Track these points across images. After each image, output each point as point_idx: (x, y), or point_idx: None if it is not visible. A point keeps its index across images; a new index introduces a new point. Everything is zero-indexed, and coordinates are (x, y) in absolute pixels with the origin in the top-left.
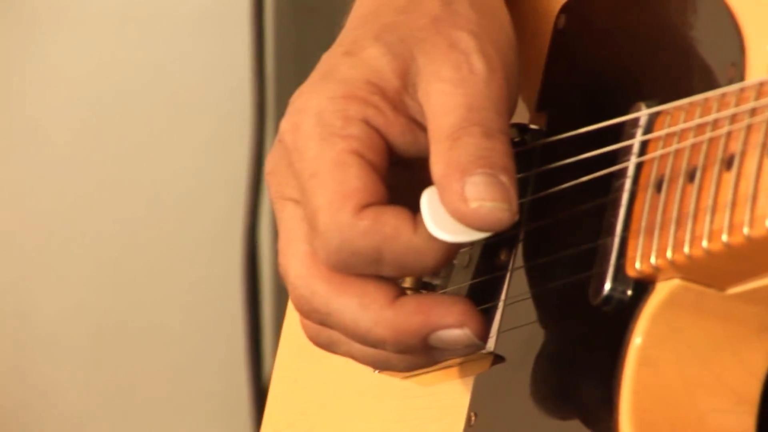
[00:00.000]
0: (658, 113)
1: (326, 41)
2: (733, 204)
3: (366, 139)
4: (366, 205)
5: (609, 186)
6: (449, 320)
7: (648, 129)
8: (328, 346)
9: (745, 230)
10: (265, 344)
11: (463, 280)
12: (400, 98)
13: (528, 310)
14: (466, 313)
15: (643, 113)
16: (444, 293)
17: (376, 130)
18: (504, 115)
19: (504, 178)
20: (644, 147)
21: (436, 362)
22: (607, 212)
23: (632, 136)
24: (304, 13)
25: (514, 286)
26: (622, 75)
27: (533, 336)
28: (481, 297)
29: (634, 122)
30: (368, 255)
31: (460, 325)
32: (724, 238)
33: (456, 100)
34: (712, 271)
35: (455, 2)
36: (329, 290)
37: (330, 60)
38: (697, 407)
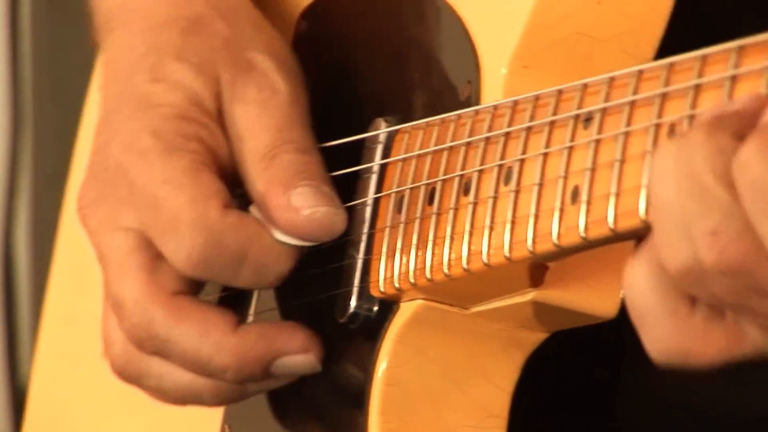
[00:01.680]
0: (397, 131)
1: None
2: (471, 233)
3: (207, 155)
4: (228, 205)
5: (352, 208)
6: (294, 346)
7: (387, 146)
8: (136, 379)
9: (484, 258)
10: (22, 347)
11: (211, 294)
12: (221, 119)
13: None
14: (309, 338)
15: (382, 131)
16: None
17: (211, 149)
18: (310, 130)
19: (326, 188)
20: (384, 166)
21: (254, 393)
22: (353, 231)
23: (373, 152)
24: (59, 15)
25: (264, 301)
26: (364, 87)
27: None
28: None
29: (375, 138)
30: (234, 253)
31: (305, 351)
32: (464, 263)
33: (264, 121)
34: (454, 293)
35: (239, 23)
36: (169, 317)
37: (135, 90)
38: (446, 424)
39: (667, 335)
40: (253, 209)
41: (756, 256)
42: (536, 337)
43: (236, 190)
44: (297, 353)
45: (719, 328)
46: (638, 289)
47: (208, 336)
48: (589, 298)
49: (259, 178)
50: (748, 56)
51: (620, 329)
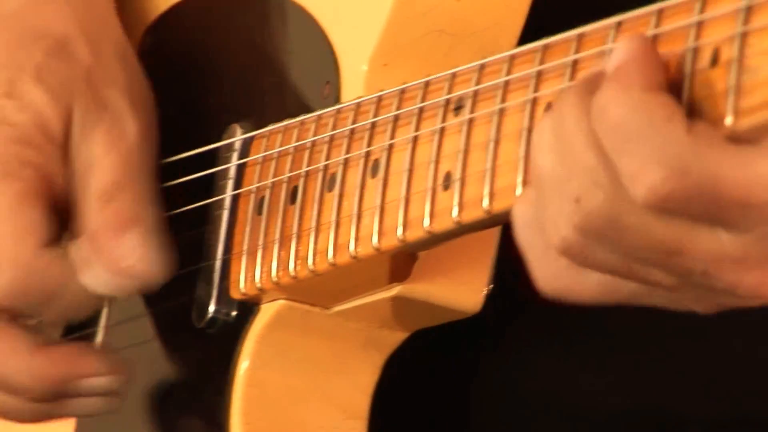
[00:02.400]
0: (255, 136)
1: None
2: (338, 223)
3: (41, 183)
4: (47, 243)
5: (211, 209)
6: (95, 368)
7: (244, 151)
8: None
9: (351, 249)
10: None
11: None
12: (66, 148)
13: (136, 332)
14: (113, 360)
15: (237, 138)
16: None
17: (46, 178)
18: (153, 176)
19: (155, 240)
20: (242, 170)
21: (69, 413)
22: (209, 236)
23: (229, 159)
24: None
25: (116, 313)
26: (219, 96)
27: (142, 358)
28: (80, 322)
29: (230, 146)
30: (40, 293)
31: (108, 372)
32: (330, 257)
33: (108, 161)
34: (317, 291)
35: (104, 53)
36: None
37: None
38: (306, 426)
39: (546, 271)
40: (73, 247)
41: (623, 218)
42: (396, 337)
43: None
44: (99, 375)
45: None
46: (520, 221)
47: (9, 357)
48: (454, 293)
49: (92, 217)
50: (627, 30)
51: (478, 330)
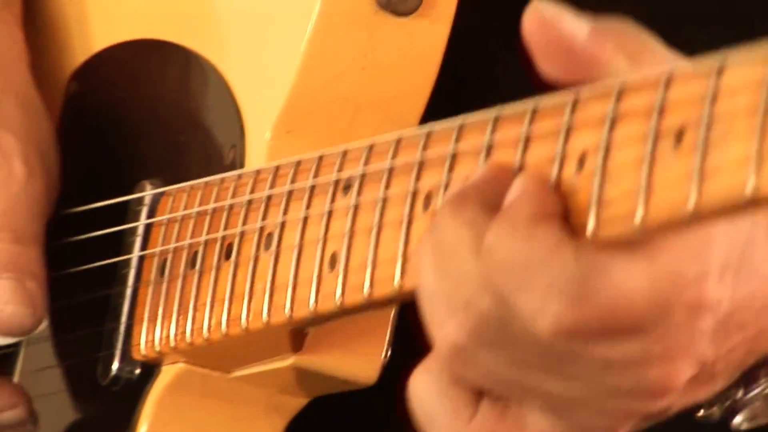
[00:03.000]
0: (162, 194)
1: None
2: (231, 294)
3: None
4: None
5: (119, 267)
6: (10, 401)
7: (153, 209)
8: None
9: (243, 322)
10: None
11: None
12: None
13: (48, 383)
14: (18, 392)
15: (147, 193)
16: None
17: None
18: (40, 219)
19: (31, 284)
20: (149, 229)
21: None
22: (116, 293)
23: (137, 214)
24: None
25: (31, 362)
26: (134, 150)
27: (50, 410)
28: None
29: (139, 201)
30: None
31: (11, 407)
32: (223, 328)
33: (5, 199)
34: (215, 357)
35: (3, 100)
36: None
37: None
38: None
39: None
40: None
41: (509, 327)
42: (297, 402)
43: None
44: (6, 409)
45: (505, 422)
46: (421, 396)
47: None
48: (349, 364)
49: None
50: (504, 127)
51: (388, 395)
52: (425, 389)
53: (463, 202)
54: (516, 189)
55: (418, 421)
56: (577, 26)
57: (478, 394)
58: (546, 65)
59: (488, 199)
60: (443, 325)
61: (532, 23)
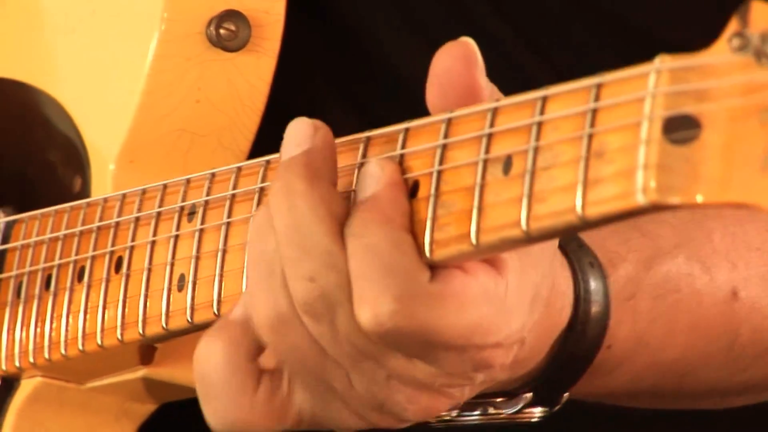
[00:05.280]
0: (15, 221)
1: None
2: (86, 314)
3: None
4: None
5: None
6: None
7: (7, 235)
8: None
9: (98, 339)
10: None
11: None
12: None
13: None
14: None
15: (0, 219)
16: None
17: None
18: None
19: None
20: (4, 254)
21: None
22: None
23: None
24: None
25: None
26: None
27: None
28: None
29: None
30: None
31: None
32: (80, 345)
33: None
34: (71, 370)
35: None
36: None
37: None
38: None
39: (231, 408)
40: None
41: (341, 308)
42: (146, 408)
43: None
44: None
45: (275, 401)
46: (212, 364)
47: None
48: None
49: None
50: (342, 155)
51: None
52: (217, 359)
53: (319, 174)
54: (375, 181)
55: (198, 384)
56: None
57: (261, 371)
58: (436, 96)
59: (336, 177)
60: (270, 297)
61: (448, 54)
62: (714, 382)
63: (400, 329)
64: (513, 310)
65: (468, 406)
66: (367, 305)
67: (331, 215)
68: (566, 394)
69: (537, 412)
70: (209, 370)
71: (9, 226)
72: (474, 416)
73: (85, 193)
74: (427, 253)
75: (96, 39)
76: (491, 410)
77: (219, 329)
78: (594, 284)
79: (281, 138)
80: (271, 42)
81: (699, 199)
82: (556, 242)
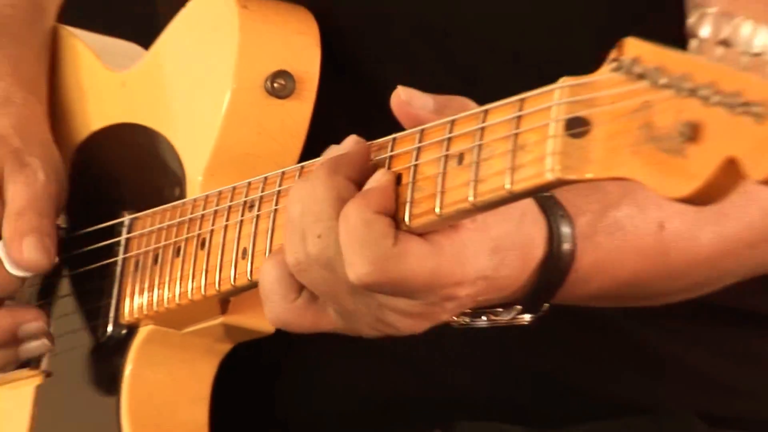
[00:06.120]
0: (136, 218)
1: None
2: (180, 279)
3: None
4: None
5: (104, 272)
6: (29, 316)
7: (130, 228)
8: None
9: (189, 296)
10: None
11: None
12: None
13: (67, 342)
14: (39, 313)
15: (126, 218)
16: None
17: None
18: (52, 211)
19: (47, 241)
20: (129, 240)
21: (19, 358)
22: (110, 281)
23: (120, 233)
24: None
25: (58, 329)
26: (117, 194)
27: (75, 359)
28: None
29: (120, 225)
30: None
31: (36, 319)
32: (177, 300)
33: (21, 194)
34: (172, 320)
35: (30, 140)
36: None
37: None
38: (169, 403)
39: (278, 311)
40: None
41: (338, 263)
42: (225, 347)
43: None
44: (31, 321)
45: (311, 310)
46: (267, 279)
47: None
48: (257, 321)
49: (7, 227)
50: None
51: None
52: (270, 273)
53: (337, 170)
54: (375, 180)
55: (261, 292)
56: (425, 102)
57: (302, 287)
58: (406, 125)
59: (355, 174)
60: (295, 245)
61: (395, 102)
62: (658, 289)
63: (377, 282)
64: (469, 257)
65: (476, 313)
66: (350, 268)
67: (338, 198)
68: (546, 305)
69: (527, 318)
70: (264, 281)
71: (132, 222)
72: (482, 322)
73: (182, 197)
74: (407, 223)
75: (191, 91)
76: (493, 317)
77: (271, 256)
78: (564, 229)
79: (316, 155)
80: (309, 92)
81: (588, 176)
82: (520, 209)
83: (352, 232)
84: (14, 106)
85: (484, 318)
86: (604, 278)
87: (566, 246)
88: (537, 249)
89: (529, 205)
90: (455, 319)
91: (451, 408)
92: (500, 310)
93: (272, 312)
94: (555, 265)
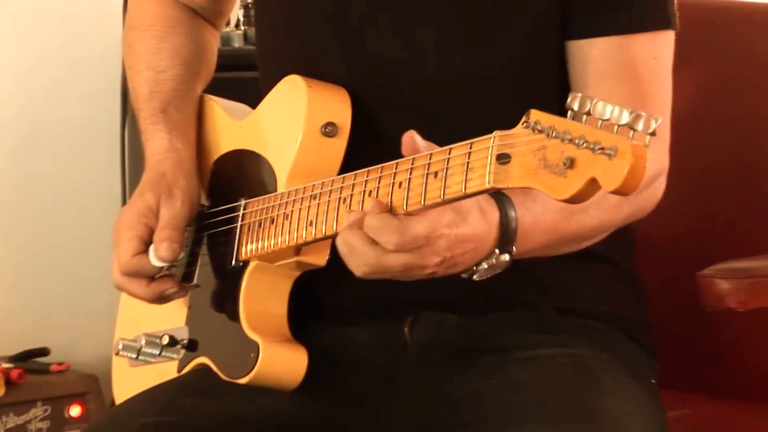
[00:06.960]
0: (249, 202)
1: None
2: (275, 235)
3: (143, 229)
4: (138, 251)
5: (230, 231)
6: (168, 285)
7: (245, 207)
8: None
9: (287, 243)
10: None
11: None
12: (157, 212)
13: (210, 268)
14: (175, 283)
15: (242, 202)
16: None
17: (147, 225)
18: (185, 221)
19: (175, 245)
20: (245, 213)
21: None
22: (233, 236)
23: (239, 210)
24: None
25: (203, 261)
26: (236, 187)
27: (209, 277)
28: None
29: (239, 206)
30: (137, 267)
31: (173, 286)
32: (275, 246)
33: (169, 215)
34: (269, 258)
35: (177, 176)
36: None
37: (137, 194)
38: (268, 303)
39: (355, 263)
40: (152, 248)
41: (374, 242)
42: (297, 272)
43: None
44: (169, 289)
45: (375, 260)
46: (347, 240)
47: (139, 288)
48: (314, 259)
49: (155, 236)
50: (385, 169)
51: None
52: (350, 237)
53: (355, 225)
54: (369, 206)
55: (341, 250)
56: (419, 142)
57: (374, 242)
58: (405, 154)
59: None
60: (357, 233)
61: (406, 138)
62: (568, 238)
63: (399, 243)
64: (445, 216)
65: (477, 265)
66: (388, 241)
67: (366, 239)
68: (513, 249)
69: (506, 258)
70: (341, 241)
71: (246, 203)
72: (482, 268)
73: (274, 191)
74: (405, 210)
75: (280, 132)
76: (485, 264)
77: (349, 225)
78: (506, 201)
79: (349, 170)
80: (345, 132)
81: (510, 185)
82: (472, 205)
83: (370, 225)
84: (176, 152)
85: (484, 264)
86: (540, 234)
87: (510, 210)
88: (493, 213)
89: (484, 195)
90: (465, 272)
91: (418, 305)
92: (487, 258)
93: (354, 263)
94: (508, 223)
